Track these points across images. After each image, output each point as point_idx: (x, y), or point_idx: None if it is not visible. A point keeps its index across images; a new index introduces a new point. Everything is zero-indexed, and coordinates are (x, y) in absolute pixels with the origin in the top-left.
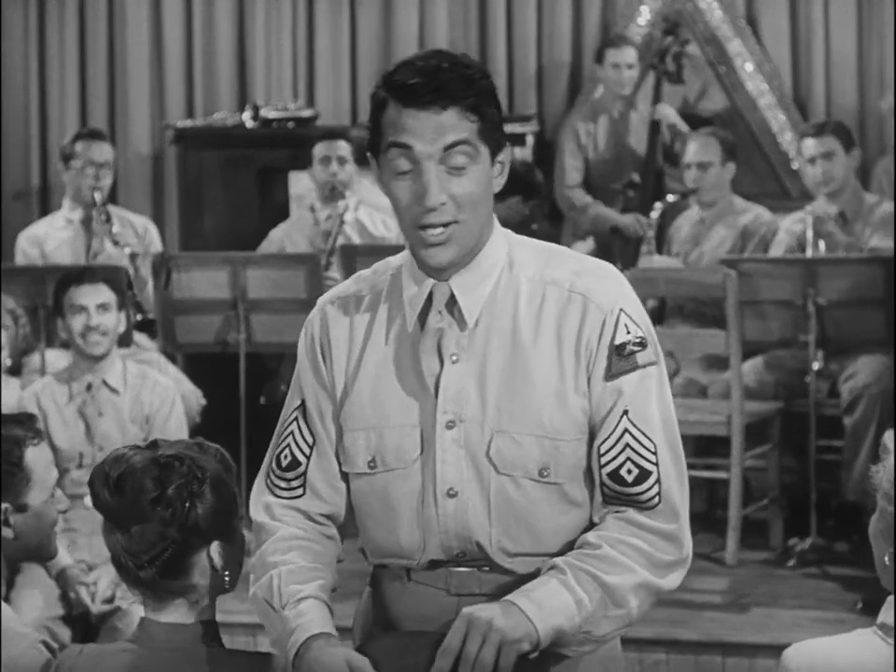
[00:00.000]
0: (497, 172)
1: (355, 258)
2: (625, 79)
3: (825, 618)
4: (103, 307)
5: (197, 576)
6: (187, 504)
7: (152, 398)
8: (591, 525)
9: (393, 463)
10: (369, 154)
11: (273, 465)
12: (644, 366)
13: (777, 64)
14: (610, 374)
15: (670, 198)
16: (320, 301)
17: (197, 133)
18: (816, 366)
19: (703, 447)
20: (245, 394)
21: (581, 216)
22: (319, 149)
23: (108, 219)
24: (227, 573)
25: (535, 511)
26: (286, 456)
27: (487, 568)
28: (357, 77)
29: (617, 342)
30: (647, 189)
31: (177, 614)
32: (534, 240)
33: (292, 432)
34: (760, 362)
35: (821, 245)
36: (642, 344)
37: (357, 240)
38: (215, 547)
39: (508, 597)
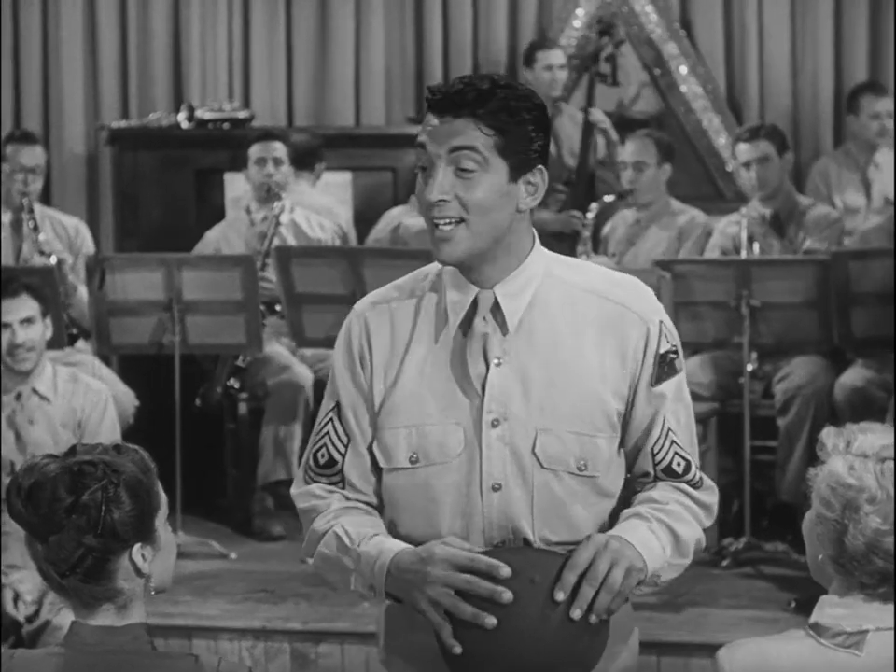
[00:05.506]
0: (525, 191)
1: (290, 259)
2: (557, 81)
3: (759, 617)
4: (27, 321)
5: (121, 580)
6: (102, 509)
7: (84, 402)
8: (616, 514)
9: (436, 458)
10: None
11: (311, 462)
12: (679, 371)
13: (711, 67)
14: (657, 380)
15: (607, 198)
16: (358, 306)
17: (132, 133)
18: (750, 367)
19: None
20: (179, 396)
21: None
22: (255, 150)
23: (36, 227)
24: (151, 576)
25: (572, 503)
26: (322, 455)
27: None
28: (292, 79)
29: (661, 350)
30: (579, 190)
31: (106, 618)
32: (566, 257)
33: (328, 432)
34: (694, 363)
35: (755, 246)
36: (676, 352)
37: (292, 241)
38: (136, 550)
39: (620, 536)
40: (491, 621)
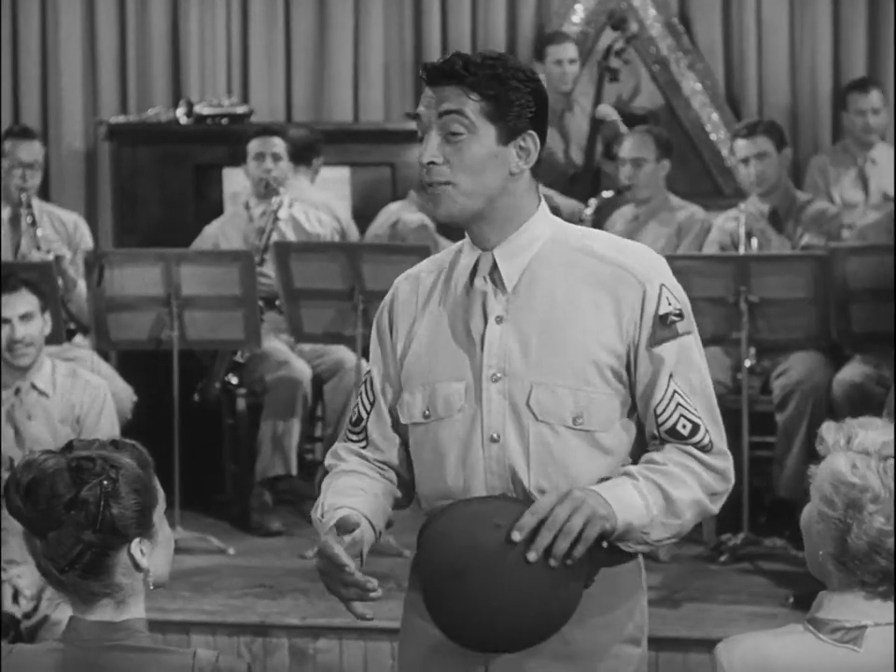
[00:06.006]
0: (517, 155)
1: (289, 254)
2: (568, 75)
3: (757, 613)
4: (26, 316)
5: (120, 575)
6: (101, 505)
7: (82, 398)
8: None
9: (442, 412)
10: None
11: (348, 420)
12: (683, 334)
13: (710, 63)
14: (654, 342)
15: (605, 194)
16: (398, 278)
17: (131, 129)
18: (748, 363)
19: None
20: (178, 391)
21: None
22: (253, 146)
23: (34, 222)
24: (150, 570)
25: (569, 457)
26: (354, 413)
27: None
28: (291, 74)
29: (661, 312)
30: (585, 186)
31: (105, 613)
32: (577, 225)
33: (361, 393)
34: None
35: (754, 242)
36: (681, 315)
37: (291, 237)
38: (135, 545)
39: (590, 488)
40: (372, 584)
